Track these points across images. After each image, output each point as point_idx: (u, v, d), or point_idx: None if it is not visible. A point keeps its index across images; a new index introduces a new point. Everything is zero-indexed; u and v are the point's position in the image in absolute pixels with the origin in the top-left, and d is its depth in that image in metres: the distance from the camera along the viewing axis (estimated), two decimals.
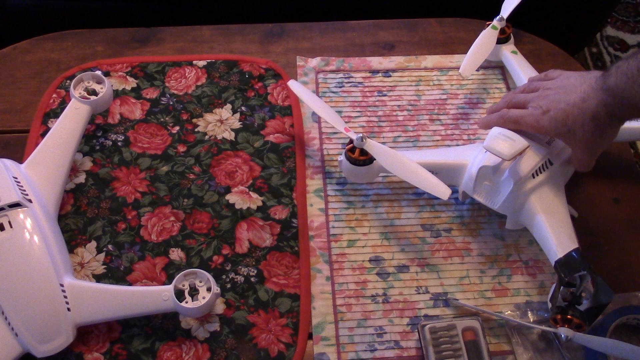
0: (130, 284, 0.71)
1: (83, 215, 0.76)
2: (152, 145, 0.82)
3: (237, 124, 0.85)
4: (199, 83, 0.88)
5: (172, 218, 0.76)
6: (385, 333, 0.70)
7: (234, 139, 0.83)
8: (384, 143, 0.79)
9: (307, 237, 0.76)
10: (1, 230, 0.65)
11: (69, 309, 0.64)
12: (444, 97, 0.90)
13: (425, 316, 0.71)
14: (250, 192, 0.78)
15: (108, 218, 0.76)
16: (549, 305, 0.68)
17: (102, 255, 0.73)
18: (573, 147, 0.69)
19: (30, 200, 0.68)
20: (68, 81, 0.87)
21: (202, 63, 0.91)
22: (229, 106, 0.86)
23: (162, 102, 0.86)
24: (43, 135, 0.78)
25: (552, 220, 0.69)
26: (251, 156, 0.82)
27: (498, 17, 0.88)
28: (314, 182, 0.81)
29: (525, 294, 0.73)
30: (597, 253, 0.76)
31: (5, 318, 0.63)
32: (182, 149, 0.82)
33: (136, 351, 0.67)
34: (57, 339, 0.64)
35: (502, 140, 0.69)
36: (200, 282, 0.67)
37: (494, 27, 0.87)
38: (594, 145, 0.67)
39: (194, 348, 0.67)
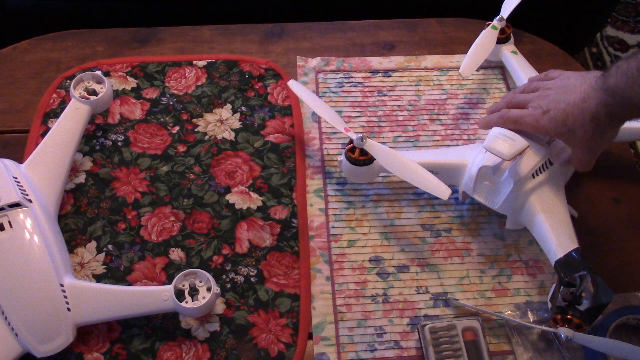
0: (130, 284, 0.71)
1: (83, 215, 0.76)
2: (152, 145, 0.82)
3: (237, 124, 0.85)
4: (199, 83, 0.88)
5: (172, 218, 0.76)
6: (385, 333, 0.70)
7: (234, 139, 0.83)
8: (384, 143, 0.79)
9: (307, 237, 0.76)
10: (1, 230, 0.65)
11: (69, 309, 0.64)
12: (444, 97, 0.90)
13: (425, 316, 0.71)
14: (250, 192, 0.78)
15: (108, 218, 0.76)
16: (549, 305, 0.68)
17: (102, 255, 0.73)
18: (573, 147, 0.69)
19: (30, 200, 0.68)
20: (68, 81, 0.87)
21: (202, 63, 0.91)
22: (229, 106, 0.86)
23: (162, 102, 0.86)
24: (43, 135, 0.78)
25: (552, 220, 0.69)
26: (251, 156, 0.82)
27: (498, 17, 0.88)
28: (314, 182, 0.81)
29: (525, 294, 0.73)
30: (597, 253, 0.76)
31: (5, 318, 0.63)
32: (182, 149, 0.82)
33: (136, 351, 0.67)
34: (57, 339, 0.64)
35: (502, 140, 0.69)
36: (200, 282, 0.67)
37: (494, 27, 0.87)
38: (594, 145, 0.67)
39: (194, 348, 0.67)
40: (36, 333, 0.63)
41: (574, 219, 0.71)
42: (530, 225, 0.71)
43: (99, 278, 0.72)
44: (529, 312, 0.72)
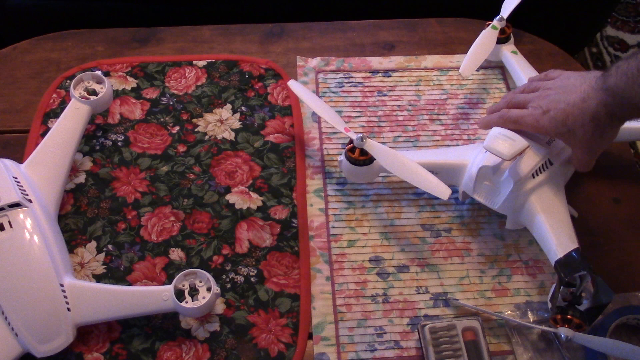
0: (130, 284, 0.71)
1: (83, 215, 0.76)
2: (152, 145, 0.82)
3: (237, 124, 0.85)
4: (199, 83, 0.88)
5: (172, 218, 0.76)
6: (385, 333, 0.70)
7: (234, 139, 0.83)
8: (384, 143, 0.79)
9: (307, 237, 0.76)
10: (1, 230, 0.65)
11: (69, 309, 0.64)
12: (444, 97, 0.90)
13: (425, 316, 0.71)
14: (250, 192, 0.78)
15: (108, 218, 0.76)
16: (549, 305, 0.68)
17: (102, 255, 0.73)
18: (573, 147, 0.69)
19: (30, 200, 0.68)
20: (68, 81, 0.87)
21: (202, 63, 0.91)
22: (229, 106, 0.86)
23: (162, 102, 0.86)
24: (43, 135, 0.78)
25: (552, 220, 0.69)
26: (251, 156, 0.82)
27: (498, 17, 0.88)
28: (314, 182, 0.81)
29: (525, 294, 0.73)
30: (597, 253, 0.76)
31: (5, 318, 0.63)
32: (182, 149, 0.82)
33: (136, 351, 0.67)
34: (57, 339, 0.64)
35: (502, 140, 0.69)
36: (200, 282, 0.67)
37: (494, 27, 0.87)
38: (594, 145, 0.67)
39: (194, 348, 0.67)
40: (36, 333, 0.63)
41: (574, 219, 0.71)
42: (530, 225, 0.71)
43: (99, 278, 0.72)
44: (529, 312, 0.72)
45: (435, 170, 0.74)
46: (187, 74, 0.89)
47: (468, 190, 0.74)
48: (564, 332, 0.64)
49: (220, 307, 0.70)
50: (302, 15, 1.12)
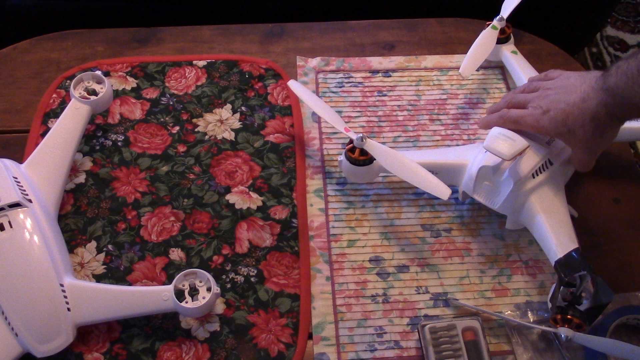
0: (130, 284, 0.71)
1: (83, 215, 0.76)
2: (152, 145, 0.82)
3: (237, 124, 0.85)
4: (199, 83, 0.88)
5: (172, 218, 0.76)
6: (385, 333, 0.70)
7: (234, 139, 0.83)
8: (384, 143, 0.79)
9: (307, 237, 0.76)
10: (1, 230, 0.65)
11: (69, 309, 0.64)
12: (444, 97, 0.90)
13: (425, 316, 0.71)
14: (250, 192, 0.78)
15: (108, 218, 0.76)
16: (549, 305, 0.68)
17: (102, 255, 0.73)
18: (573, 147, 0.69)
19: (30, 200, 0.68)
20: (68, 81, 0.87)
21: (202, 63, 0.91)
22: (229, 106, 0.86)
23: (162, 102, 0.86)
24: (43, 135, 0.78)
25: (552, 220, 0.69)
26: (251, 156, 0.82)
27: (498, 17, 0.88)
28: (314, 182, 0.81)
29: (525, 294, 0.73)
30: (597, 253, 0.76)
31: (5, 318, 0.63)
32: (182, 149, 0.82)
33: (136, 351, 0.67)
34: (57, 339, 0.64)
35: (502, 140, 0.69)
36: (200, 282, 0.67)
37: (494, 27, 0.87)
38: (594, 145, 0.67)
39: (194, 348, 0.67)
40: (36, 333, 0.63)
41: (574, 219, 0.71)
42: (530, 225, 0.71)
43: (99, 278, 0.72)
44: (529, 312, 0.72)
45: (435, 170, 0.74)
46: (187, 74, 0.89)
47: (468, 190, 0.74)
48: (564, 332, 0.64)
49: (220, 307, 0.70)
50: (302, 15, 1.12)
